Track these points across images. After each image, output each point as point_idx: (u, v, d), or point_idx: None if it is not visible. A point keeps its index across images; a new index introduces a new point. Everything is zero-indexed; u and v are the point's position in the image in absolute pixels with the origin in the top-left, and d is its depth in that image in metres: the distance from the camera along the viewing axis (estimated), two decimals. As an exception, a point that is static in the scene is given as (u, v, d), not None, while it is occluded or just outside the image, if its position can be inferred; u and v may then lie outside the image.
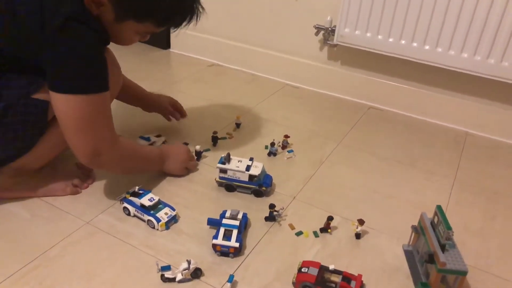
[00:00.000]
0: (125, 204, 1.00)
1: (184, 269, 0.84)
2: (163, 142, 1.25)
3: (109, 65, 0.91)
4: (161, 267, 0.84)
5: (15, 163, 0.96)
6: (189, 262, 0.84)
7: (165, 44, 1.98)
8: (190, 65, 1.86)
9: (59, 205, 1.01)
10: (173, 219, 0.99)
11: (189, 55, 1.95)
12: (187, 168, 1.16)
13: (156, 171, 1.13)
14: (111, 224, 0.98)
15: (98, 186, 1.09)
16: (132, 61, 1.82)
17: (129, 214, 1.00)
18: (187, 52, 1.96)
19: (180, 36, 1.93)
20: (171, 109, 1.35)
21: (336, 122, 1.50)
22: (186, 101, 1.54)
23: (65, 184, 1.04)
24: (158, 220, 0.96)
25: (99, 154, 0.92)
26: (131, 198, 1.00)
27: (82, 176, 1.08)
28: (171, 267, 0.85)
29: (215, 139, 1.30)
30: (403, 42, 1.44)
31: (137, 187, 1.04)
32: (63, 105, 0.87)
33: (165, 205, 1.01)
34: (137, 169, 1.09)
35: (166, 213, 0.98)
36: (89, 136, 0.90)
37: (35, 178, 1.02)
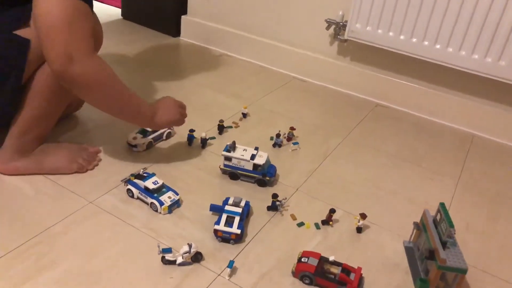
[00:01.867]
0: (129, 186, 1.00)
1: (185, 253, 0.84)
2: (169, 133, 1.25)
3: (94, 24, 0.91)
4: (162, 249, 0.85)
5: (16, 132, 0.96)
6: (190, 246, 0.85)
7: (174, 31, 1.97)
8: (198, 54, 1.86)
9: (64, 183, 1.02)
10: (176, 204, 1.00)
11: (198, 43, 1.95)
12: (182, 114, 1.10)
13: (147, 124, 1.07)
14: (114, 205, 0.98)
15: (103, 167, 1.09)
16: (141, 47, 1.82)
17: (132, 196, 1.00)
18: (196, 40, 1.95)
19: (190, 24, 1.93)
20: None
21: (342, 118, 1.50)
22: (193, 89, 1.55)
23: (71, 161, 1.04)
24: (161, 203, 0.97)
25: (71, 60, 0.84)
26: (135, 181, 1.00)
27: (89, 156, 1.08)
28: (172, 249, 0.85)
29: (221, 128, 1.30)
30: (414, 40, 1.43)
31: (141, 170, 1.04)
32: (42, 5, 0.83)
33: (169, 189, 1.01)
34: (120, 106, 0.98)
35: (169, 197, 0.99)
36: (62, 36, 0.83)
37: (40, 154, 1.02)
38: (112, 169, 1.09)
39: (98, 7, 2.15)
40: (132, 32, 1.96)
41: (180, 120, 1.10)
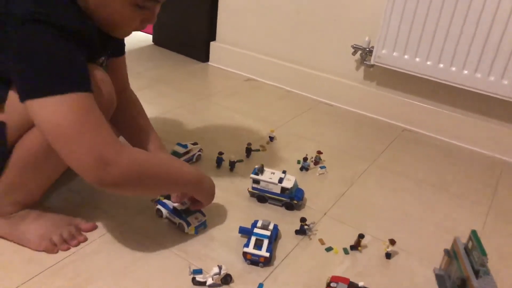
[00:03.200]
0: (159, 206, 1.03)
1: (215, 274, 0.85)
2: (199, 151, 1.28)
3: (99, 82, 0.82)
4: (193, 270, 0.86)
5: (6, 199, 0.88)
6: (220, 268, 0.86)
7: (204, 57, 2.04)
8: (227, 79, 1.91)
9: (96, 203, 1.05)
10: (203, 225, 1.01)
11: (226, 69, 2.00)
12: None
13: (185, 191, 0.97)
14: (145, 225, 1.01)
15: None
16: (171, 72, 1.88)
17: (161, 216, 1.03)
18: (224, 66, 2.01)
19: (219, 50, 1.99)
20: None
21: (369, 142, 1.50)
22: (221, 113, 1.58)
23: (42, 238, 0.88)
24: (188, 224, 0.99)
25: (107, 163, 0.73)
26: (165, 201, 1.03)
27: (71, 233, 0.92)
28: (203, 271, 0.86)
29: (248, 151, 1.33)
30: (441, 65, 1.44)
31: None
32: (41, 113, 0.72)
33: (197, 210, 1.04)
34: (166, 184, 0.88)
35: (196, 218, 1.01)
36: (86, 141, 0.72)
37: (16, 219, 0.89)
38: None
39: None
40: (162, 57, 2.03)
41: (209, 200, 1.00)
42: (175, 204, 1.01)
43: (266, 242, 0.94)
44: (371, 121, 1.66)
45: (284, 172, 1.14)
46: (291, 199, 1.10)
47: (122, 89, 1.05)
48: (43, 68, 0.72)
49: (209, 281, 0.86)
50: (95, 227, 0.97)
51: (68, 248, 0.91)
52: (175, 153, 1.24)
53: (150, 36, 2.22)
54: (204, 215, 1.03)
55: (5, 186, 0.87)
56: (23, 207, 0.91)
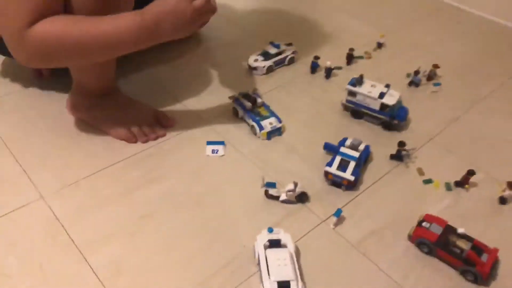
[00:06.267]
0: (235, 105, 0.95)
1: (289, 191, 0.77)
2: (293, 53, 1.14)
3: None
4: (266, 182, 0.79)
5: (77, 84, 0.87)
6: (295, 184, 0.77)
7: None
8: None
9: (177, 96, 1.00)
10: (277, 131, 0.92)
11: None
12: (202, 20, 0.73)
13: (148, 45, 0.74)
14: (225, 126, 0.94)
15: (220, 88, 1.05)
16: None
17: (237, 115, 0.96)
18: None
19: None
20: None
21: (503, 60, 1.21)
22: (326, 12, 1.39)
23: (121, 127, 0.87)
24: (261, 128, 0.90)
25: (17, 42, 0.68)
26: (242, 100, 0.95)
27: (150, 126, 0.89)
28: (277, 184, 0.79)
29: (350, 57, 1.15)
30: None
31: (251, 90, 0.98)
32: None
33: (273, 114, 0.94)
34: (97, 50, 0.71)
35: (270, 123, 0.92)
36: (8, 13, 0.66)
37: (107, 108, 0.88)
38: (228, 90, 1.04)
39: None
40: None
41: (195, 21, 0.72)
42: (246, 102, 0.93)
43: (352, 164, 0.82)
44: (509, 33, 1.33)
45: (387, 86, 0.96)
46: (392, 118, 0.94)
47: None
48: None
49: (283, 197, 0.78)
50: (174, 123, 0.93)
51: (147, 141, 0.89)
52: (266, 53, 1.12)
53: None
54: (279, 120, 0.93)
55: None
56: (100, 94, 0.88)
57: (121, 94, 0.93)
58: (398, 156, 0.89)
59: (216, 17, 0.77)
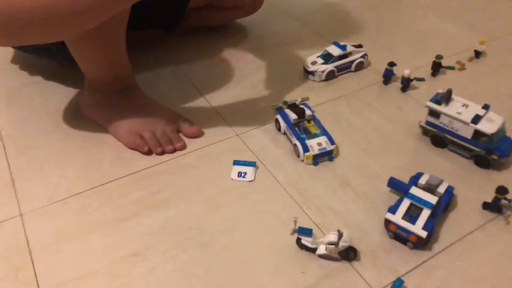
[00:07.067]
0: (278, 116, 0.76)
1: (331, 243, 0.55)
2: (362, 56, 0.92)
3: None
4: (299, 228, 0.57)
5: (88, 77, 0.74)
6: (340, 235, 0.55)
7: None
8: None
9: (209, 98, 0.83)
10: (327, 155, 0.71)
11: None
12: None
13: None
14: (261, 142, 0.74)
15: (262, 95, 0.86)
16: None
17: (279, 129, 0.76)
18: None
19: None
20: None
21: None
22: (412, 12, 1.14)
23: (132, 132, 0.72)
24: (306, 149, 0.70)
25: None
26: (286, 111, 0.75)
27: (167, 135, 0.73)
28: (313, 233, 0.57)
29: (437, 67, 0.90)
30: None
31: (300, 99, 0.77)
32: None
33: (324, 132, 0.72)
34: (49, 20, 0.55)
35: (319, 144, 0.71)
36: None
37: (120, 108, 0.74)
38: (274, 98, 0.84)
39: None
40: None
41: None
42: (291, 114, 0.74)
43: (426, 213, 0.58)
44: None
45: (485, 107, 0.71)
46: (489, 151, 0.68)
47: None
48: None
49: (321, 250, 0.57)
50: (199, 133, 0.75)
51: (162, 152, 0.72)
52: (327, 55, 0.90)
53: None
54: (332, 142, 0.71)
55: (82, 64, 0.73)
56: (113, 90, 0.74)
57: (140, 93, 0.77)
58: (495, 206, 0.63)
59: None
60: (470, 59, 0.96)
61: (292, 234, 0.57)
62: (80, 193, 0.65)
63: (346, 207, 0.64)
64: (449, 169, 0.70)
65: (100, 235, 0.60)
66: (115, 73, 0.73)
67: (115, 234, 0.60)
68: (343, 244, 0.55)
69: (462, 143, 0.71)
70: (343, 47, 0.91)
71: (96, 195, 0.65)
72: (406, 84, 0.86)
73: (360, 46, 0.94)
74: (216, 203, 0.64)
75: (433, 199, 0.59)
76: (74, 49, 0.70)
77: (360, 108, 0.83)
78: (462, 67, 0.94)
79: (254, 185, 0.67)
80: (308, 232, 0.57)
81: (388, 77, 0.88)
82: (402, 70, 0.86)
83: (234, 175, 0.68)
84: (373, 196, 0.66)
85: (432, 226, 0.58)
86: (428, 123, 0.74)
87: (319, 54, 0.92)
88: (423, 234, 0.57)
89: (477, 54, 0.96)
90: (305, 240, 0.57)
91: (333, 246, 0.55)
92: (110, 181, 0.67)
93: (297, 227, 0.57)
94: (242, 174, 0.68)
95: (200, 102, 0.83)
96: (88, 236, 0.59)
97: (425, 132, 0.76)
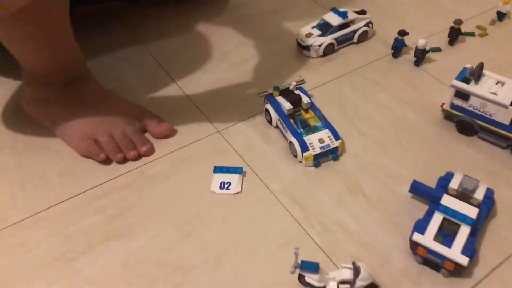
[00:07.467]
0: (267, 105, 0.61)
1: (344, 282, 0.42)
2: (366, 25, 0.76)
3: None
4: (302, 262, 0.43)
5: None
6: (356, 270, 0.42)
7: None
8: None
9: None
10: (331, 153, 0.56)
11: None
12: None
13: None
14: (248, 141, 0.60)
15: (249, 79, 0.70)
16: None
17: (270, 122, 0.61)
18: None
19: None
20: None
21: None
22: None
23: (84, 137, 0.57)
24: (305, 148, 0.56)
25: None
26: (278, 99, 0.60)
27: (130, 137, 0.58)
28: (320, 268, 0.43)
29: (455, 33, 0.75)
30: None
31: (295, 82, 0.63)
32: None
33: (327, 125, 0.58)
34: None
35: (321, 140, 0.56)
36: None
37: (68, 104, 0.59)
38: (261, 82, 0.69)
39: None
40: None
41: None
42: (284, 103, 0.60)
43: (465, 231, 0.45)
44: None
45: (528, 83, 0.56)
46: (533, 140, 0.55)
47: None
48: None
49: (331, 289, 0.43)
50: (170, 132, 0.60)
51: (122, 159, 0.57)
52: (324, 25, 0.75)
53: None
54: (337, 137, 0.57)
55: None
56: (59, 82, 0.58)
57: (93, 85, 0.61)
58: (548, 215, 0.50)
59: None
60: (492, 22, 0.81)
61: (293, 272, 0.43)
62: (16, 223, 0.51)
63: (358, 222, 0.50)
64: (482, 163, 0.56)
65: (41, 281, 0.45)
66: (59, 61, 0.57)
67: (61, 279, 0.46)
68: (360, 284, 0.41)
69: (498, 129, 0.58)
70: (343, 15, 0.75)
71: (38, 225, 0.50)
72: (420, 57, 0.72)
73: (363, 12, 0.78)
74: (194, 228, 0.50)
75: (472, 212, 0.46)
76: (3, 33, 0.54)
77: (366, 88, 0.68)
78: (484, 33, 0.79)
79: (241, 198, 0.53)
80: (313, 268, 0.43)
81: (398, 48, 0.73)
82: (415, 40, 0.71)
83: (215, 186, 0.54)
84: (391, 204, 0.52)
85: (473, 248, 0.45)
86: (453, 106, 0.60)
87: (315, 24, 0.76)
88: (464, 261, 0.43)
89: (500, 16, 0.81)
90: (310, 278, 0.43)
91: (348, 286, 0.42)
92: (56, 204, 0.52)
93: (299, 262, 0.43)
94: (226, 185, 0.54)
95: (170, 90, 0.68)
96: (26, 284, 0.45)
97: (448, 116, 0.62)
